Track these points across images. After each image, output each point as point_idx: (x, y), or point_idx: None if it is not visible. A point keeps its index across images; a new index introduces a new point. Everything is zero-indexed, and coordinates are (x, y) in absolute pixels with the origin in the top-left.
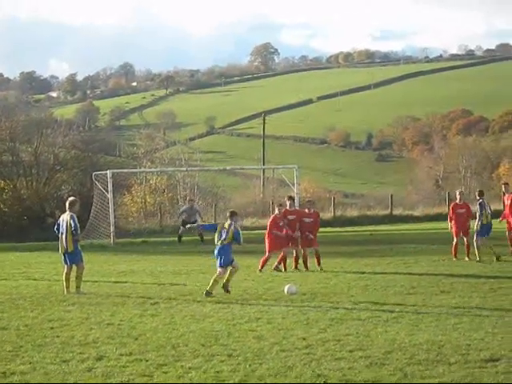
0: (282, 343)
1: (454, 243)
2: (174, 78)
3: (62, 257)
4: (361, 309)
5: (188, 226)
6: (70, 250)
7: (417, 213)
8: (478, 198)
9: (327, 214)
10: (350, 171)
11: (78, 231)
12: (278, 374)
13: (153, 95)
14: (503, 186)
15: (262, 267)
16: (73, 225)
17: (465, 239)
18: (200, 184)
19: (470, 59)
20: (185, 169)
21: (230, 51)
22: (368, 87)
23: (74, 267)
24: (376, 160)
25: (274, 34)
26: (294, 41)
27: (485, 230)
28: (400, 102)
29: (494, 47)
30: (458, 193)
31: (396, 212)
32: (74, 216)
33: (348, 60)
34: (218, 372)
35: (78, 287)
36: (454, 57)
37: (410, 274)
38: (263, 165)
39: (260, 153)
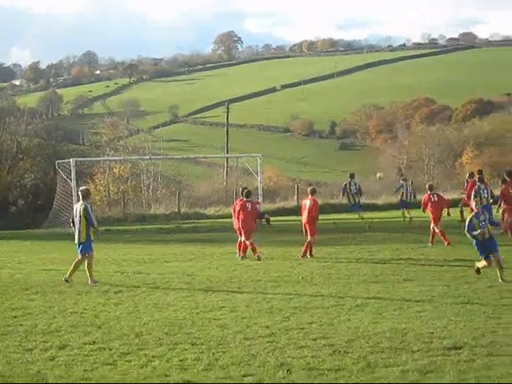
0: (245, 331)
1: (439, 231)
2: (138, 67)
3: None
4: (324, 297)
5: None
6: (82, 240)
7: (380, 201)
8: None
9: (291, 203)
10: (314, 160)
11: (94, 222)
12: (241, 363)
13: (116, 84)
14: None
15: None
16: (88, 216)
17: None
18: (163, 172)
19: (433, 48)
20: (148, 157)
21: (193, 39)
22: (331, 76)
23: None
24: (339, 149)
25: (238, 22)
26: (257, 29)
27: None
28: (363, 90)
29: (457, 36)
30: (428, 187)
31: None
32: (88, 206)
33: (311, 49)
34: (181, 360)
35: (90, 277)
36: (417, 45)
37: (373, 262)
38: (227, 153)
39: (223, 141)
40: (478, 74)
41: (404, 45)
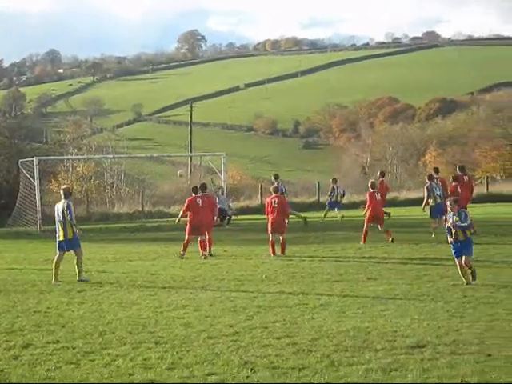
0: (209, 330)
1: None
2: (101, 65)
3: (58, 244)
4: (288, 296)
5: None
6: (69, 237)
7: (344, 200)
8: (427, 181)
9: (254, 202)
10: (277, 159)
11: (73, 220)
12: (205, 362)
13: (80, 82)
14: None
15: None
16: (69, 213)
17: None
18: (127, 171)
19: (396, 47)
20: (112, 156)
21: (157, 38)
22: (295, 75)
23: (70, 255)
24: (303, 147)
25: (202, 21)
26: (221, 27)
27: (436, 211)
28: (327, 89)
29: (420, 35)
30: (370, 184)
31: (323, 199)
32: (70, 204)
33: (275, 47)
34: (145, 359)
35: (79, 273)
36: (380, 45)
37: (337, 261)
38: (190, 152)
39: (187, 140)
40: (441, 73)
41: (367, 44)
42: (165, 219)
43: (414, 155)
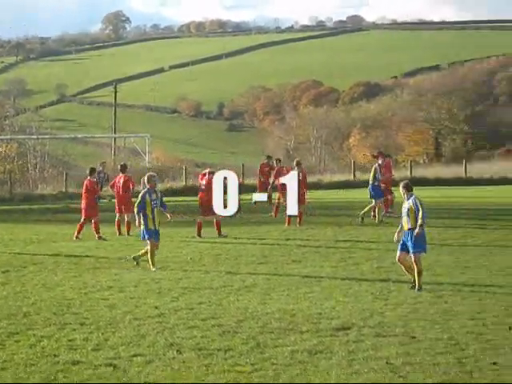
0: (134, 312)
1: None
2: (25, 45)
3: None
4: (213, 278)
5: None
6: None
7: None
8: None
9: (179, 183)
10: (202, 141)
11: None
12: (130, 343)
13: (2, 62)
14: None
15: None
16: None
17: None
18: (51, 152)
19: (320, 30)
20: (35, 137)
21: (81, 18)
22: (220, 57)
23: None
24: (227, 130)
25: (126, 1)
26: (145, 9)
27: (378, 192)
28: (252, 72)
29: (344, 18)
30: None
31: (248, 182)
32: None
33: (200, 29)
34: (70, 340)
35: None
36: (305, 28)
37: (261, 243)
38: (114, 133)
39: (111, 121)
40: (365, 56)
41: (292, 27)
42: None
43: (338, 138)
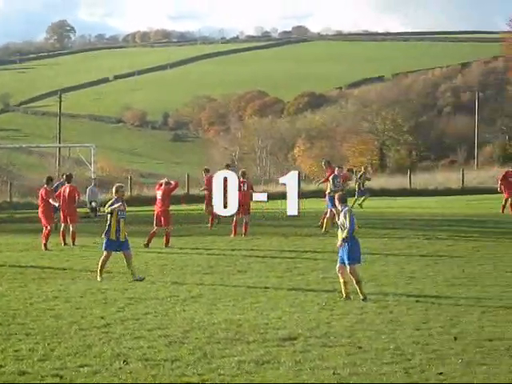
0: (80, 322)
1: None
2: None
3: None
4: (159, 288)
5: None
6: None
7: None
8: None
9: (124, 193)
10: (146, 151)
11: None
12: (77, 353)
13: None
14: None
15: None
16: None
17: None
18: None
19: (266, 41)
20: None
21: (25, 28)
22: (165, 67)
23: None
24: (172, 140)
25: (71, 11)
26: (90, 18)
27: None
28: (197, 82)
29: (290, 29)
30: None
31: (193, 192)
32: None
33: (145, 39)
34: (16, 351)
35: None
36: (250, 38)
37: (207, 254)
38: (59, 143)
39: (56, 131)
40: (310, 67)
41: (237, 37)
42: (34, 211)
43: (283, 149)
